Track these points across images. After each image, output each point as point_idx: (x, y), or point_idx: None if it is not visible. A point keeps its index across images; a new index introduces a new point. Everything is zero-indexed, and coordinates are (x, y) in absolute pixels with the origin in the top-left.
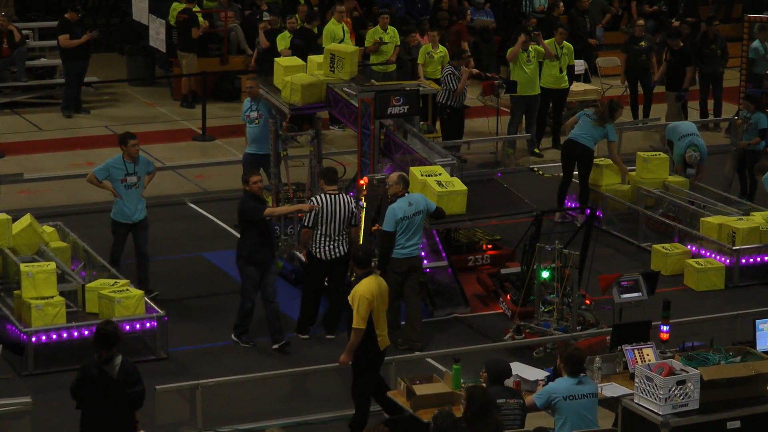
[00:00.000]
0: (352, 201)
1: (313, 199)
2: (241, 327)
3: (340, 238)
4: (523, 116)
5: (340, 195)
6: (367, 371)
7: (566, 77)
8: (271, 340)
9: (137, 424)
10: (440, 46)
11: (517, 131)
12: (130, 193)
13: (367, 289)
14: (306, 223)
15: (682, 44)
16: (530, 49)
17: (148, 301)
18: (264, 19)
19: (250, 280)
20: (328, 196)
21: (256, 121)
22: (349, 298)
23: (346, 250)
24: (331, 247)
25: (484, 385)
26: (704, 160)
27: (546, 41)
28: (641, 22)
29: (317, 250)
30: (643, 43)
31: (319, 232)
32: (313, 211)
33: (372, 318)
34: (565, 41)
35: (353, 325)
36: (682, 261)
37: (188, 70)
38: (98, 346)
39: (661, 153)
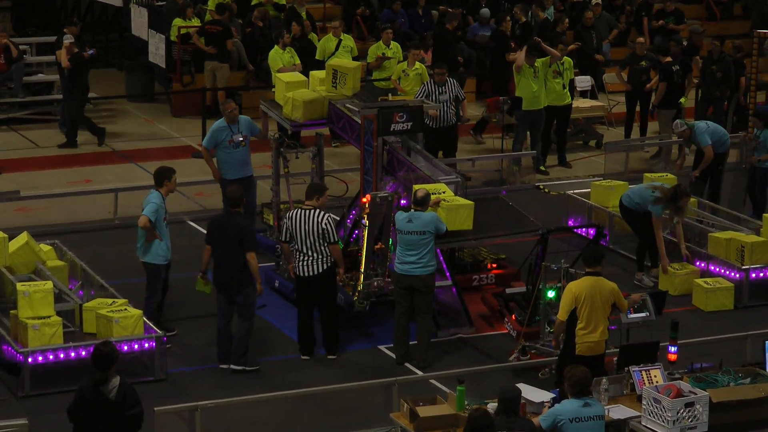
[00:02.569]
0: (325, 218)
1: (287, 214)
2: (247, 350)
3: (315, 255)
4: (528, 133)
5: (313, 211)
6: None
7: (569, 93)
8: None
9: None
10: (417, 63)
11: (521, 148)
12: (166, 231)
13: (577, 284)
14: (281, 238)
15: (669, 59)
16: (536, 63)
17: (147, 321)
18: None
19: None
20: (301, 211)
21: (243, 144)
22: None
23: (325, 268)
24: (306, 263)
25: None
26: (700, 141)
27: (544, 59)
28: (641, 39)
29: (295, 266)
30: (644, 63)
31: (295, 247)
32: (284, 227)
33: (578, 315)
34: (565, 56)
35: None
36: (691, 281)
37: (223, 81)
38: (95, 367)
39: (668, 174)
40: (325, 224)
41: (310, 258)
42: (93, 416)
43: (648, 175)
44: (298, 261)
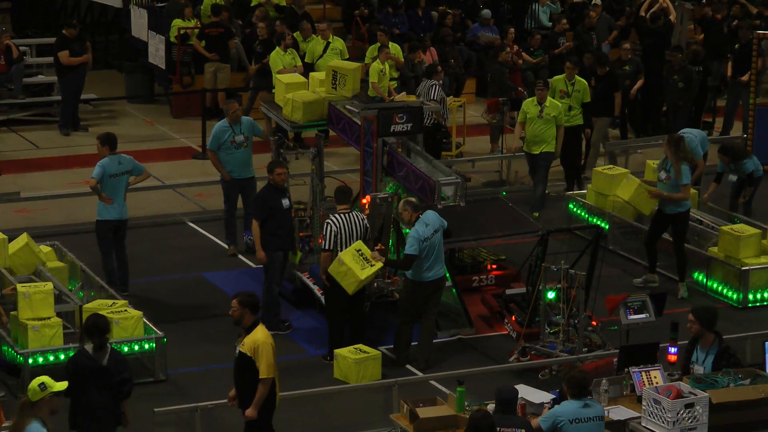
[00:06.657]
0: (364, 217)
1: (329, 220)
2: (278, 316)
3: None
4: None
5: (352, 213)
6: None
7: (579, 114)
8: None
9: (127, 417)
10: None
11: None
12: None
13: (268, 335)
14: (326, 246)
15: (608, 69)
16: (575, 78)
17: (147, 323)
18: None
19: (278, 265)
20: (341, 216)
21: (244, 144)
22: (249, 349)
23: None
24: None
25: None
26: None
27: (556, 77)
28: (627, 45)
29: None
30: (627, 68)
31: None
32: (332, 233)
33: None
34: (577, 76)
35: (266, 376)
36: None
37: (224, 82)
38: (89, 335)
39: None
40: (367, 223)
41: None
42: (86, 382)
43: (650, 162)
44: None
